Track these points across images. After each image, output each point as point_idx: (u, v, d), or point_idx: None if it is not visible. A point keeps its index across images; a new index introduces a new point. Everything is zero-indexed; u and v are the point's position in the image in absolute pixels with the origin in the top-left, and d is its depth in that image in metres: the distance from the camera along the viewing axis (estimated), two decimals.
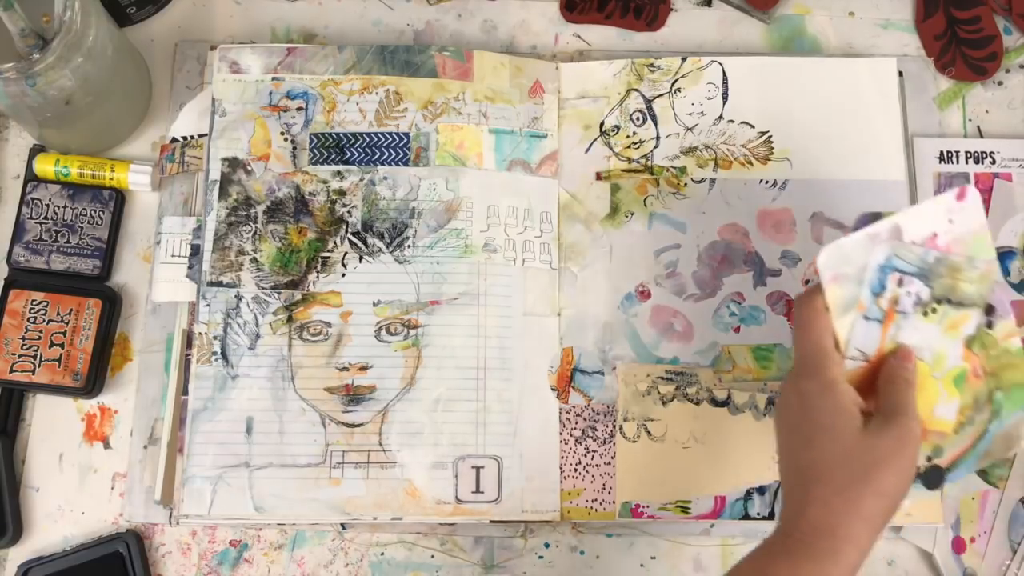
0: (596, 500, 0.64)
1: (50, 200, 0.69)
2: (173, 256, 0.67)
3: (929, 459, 0.53)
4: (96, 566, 0.63)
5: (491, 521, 0.64)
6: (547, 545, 0.66)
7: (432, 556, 0.65)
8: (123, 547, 0.64)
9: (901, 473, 0.47)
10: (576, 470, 0.65)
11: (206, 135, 0.68)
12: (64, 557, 0.64)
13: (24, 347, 0.65)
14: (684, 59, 0.72)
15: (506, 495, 0.64)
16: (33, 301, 0.66)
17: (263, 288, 0.66)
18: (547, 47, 0.74)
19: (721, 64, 0.72)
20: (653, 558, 0.66)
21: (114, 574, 0.63)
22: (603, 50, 0.74)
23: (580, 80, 0.71)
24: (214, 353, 0.64)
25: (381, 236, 0.67)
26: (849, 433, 0.48)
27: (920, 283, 0.52)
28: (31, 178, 0.69)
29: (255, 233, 0.66)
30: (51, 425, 0.67)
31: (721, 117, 0.71)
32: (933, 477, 0.53)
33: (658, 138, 0.70)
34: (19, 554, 0.65)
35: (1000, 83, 0.74)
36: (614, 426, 0.65)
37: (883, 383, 0.50)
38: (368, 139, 0.68)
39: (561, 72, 0.72)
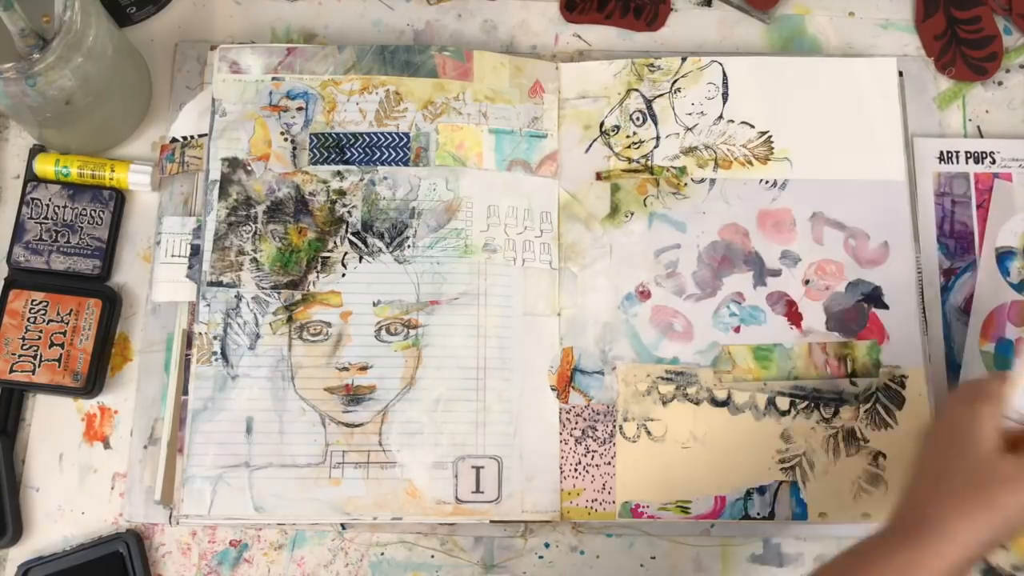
0: (596, 500, 0.64)
1: (50, 200, 0.69)
2: (173, 256, 0.67)
3: (1015, 568, 0.53)
4: (96, 566, 0.63)
5: (491, 521, 0.64)
6: (547, 545, 0.66)
7: (432, 556, 0.65)
8: (123, 547, 0.64)
9: (1019, 496, 0.49)
10: (576, 470, 0.65)
11: (206, 135, 0.68)
12: (64, 557, 0.64)
13: (24, 347, 0.65)
14: (684, 59, 0.72)
15: (506, 495, 0.64)
16: (33, 301, 0.66)
17: (263, 288, 0.66)
18: (547, 47, 0.74)
19: (721, 64, 0.72)
20: (653, 558, 0.66)
21: (114, 574, 0.63)
22: (603, 50, 0.74)
23: (580, 80, 0.71)
24: (214, 353, 0.64)
25: (381, 236, 0.67)
26: (981, 448, 0.50)
27: None
28: (31, 178, 0.69)
29: (255, 233, 0.66)
30: (51, 425, 0.67)
31: (721, 117, 0.71)
32: None
33: (658, 138, 0.70)
34: (19, 554, 0.65)
35: (1000, 83, 0.74)
36: (614, 426, 0.65)
37: None
38: (368, 139, 0.68)
39: (561, 72, 0.72)
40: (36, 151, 0.70)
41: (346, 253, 0.66)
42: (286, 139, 0.68)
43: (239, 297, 0.65)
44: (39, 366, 0.65)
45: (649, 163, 0.70)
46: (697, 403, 0.66)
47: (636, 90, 0.71)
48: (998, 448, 0.50)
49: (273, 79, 0.69)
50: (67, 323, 0.66)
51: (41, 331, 0.66)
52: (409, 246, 0.67)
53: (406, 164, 0.68)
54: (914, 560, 0.47)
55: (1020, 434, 0.53)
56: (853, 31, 0.75)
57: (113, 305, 0.68)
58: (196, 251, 0.67)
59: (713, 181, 0.70)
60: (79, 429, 0.67)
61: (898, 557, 0.48)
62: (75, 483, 0.66)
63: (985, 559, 0.54)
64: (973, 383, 0.55)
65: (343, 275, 0.66)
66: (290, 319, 0.65)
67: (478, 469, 0.64)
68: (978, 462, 0.50)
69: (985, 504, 0.48)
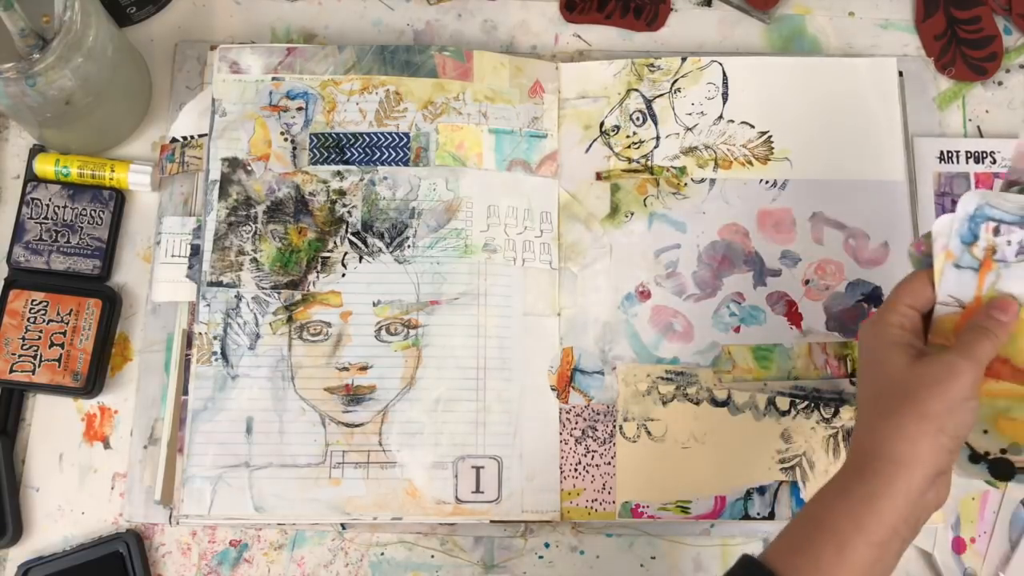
0: (596, 500, 0.64)
1: (50, 200, 0.69)
2: (173, 256, 0.67)
3: (1003, 451, 0.53)
4: (96, 566, 0.63)
5: (491, 521, 0.64)
6: (547, 545, 0.66)
7: (432, 556, 0.65)
8: (123, 547, 0.64)
9: (947, 401, 0.47)
10: (576, 470, 0.65)
11: (206, 135, 0.68)
12: (64, 557, 0.64)
13: (24, 347, 0.65)
14: (684, 59, 0.72)
15: (506, 495, 0.64)
16: (33, 301, 0.66)
17: (263, 288, 0.66)
18: (547, 47, 0.74)
19: (721, 64, 0.72)
20: (653, 558, 0.66)
21: (114, 574, 0.63)
22: (603, 50, 0.74)
23: (580, 80, 0.71)
24: (214, 353, 0.64)
25: (381, 236, 0.67)
26: (897, 364, 0.49)
27: (1022, 232, 0.51)
28: (31, 178, 0.69)
29: (255, 233, 0.66)
30: (51, 425, 0.67)
31: (721, 117, 0.71)
32: (1002, 468, 0.52)
33: (658, 138, 0.70)
34: (19, 554, 0.65)
35: (1000, 83, 0.74)
36: (614, 426, 0.65)
37: (963, 328, 0.51)
38: (368, 139, 0.68)
39: (561, 72, 0.72)
40: (36, 151, 0.70)
41: (346, 253, 0.66)
42: (286, 139, 0.68)
43: (239, 297, 0.65)
44: (39, 366, 0.65)
45: (649, 163, 0.70)
46: (697, 403, 0.66)
47: (636, 90, 0.71)
48: (913, 355, 0.49)
49: (273, 79, 0.69)
50: (67, 323, 0.66)
51: (41, 331, 0.66)
52: (409, 246, 0.67)
53: (406, 164, 0.68)
54: (870, 494, 0.47)
55: (960, 319, 0.51)
56: (853, 31, 0.75)
57: (113, 305, 0.68)
58: (196, 251, 0.67)
59: (713, 181, 0.70)
60: (79, 429, 0.67)
61: (855, 495, 0.47)
62: (75, 483, 0.66)
63: (968, 445, 0.53)
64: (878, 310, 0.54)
65: (343, 275, 0.66)
66: (290, 319, 0.65)
67: (478, 469, 0.64)
68: (896, 376, 0.49)
69: (917, 414, 0.47)
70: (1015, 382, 0.52)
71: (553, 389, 0.66)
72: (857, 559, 0.46)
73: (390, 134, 0.68)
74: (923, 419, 0.47)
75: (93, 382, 0.66)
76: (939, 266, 0.52)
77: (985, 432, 0.53)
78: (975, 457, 0.53)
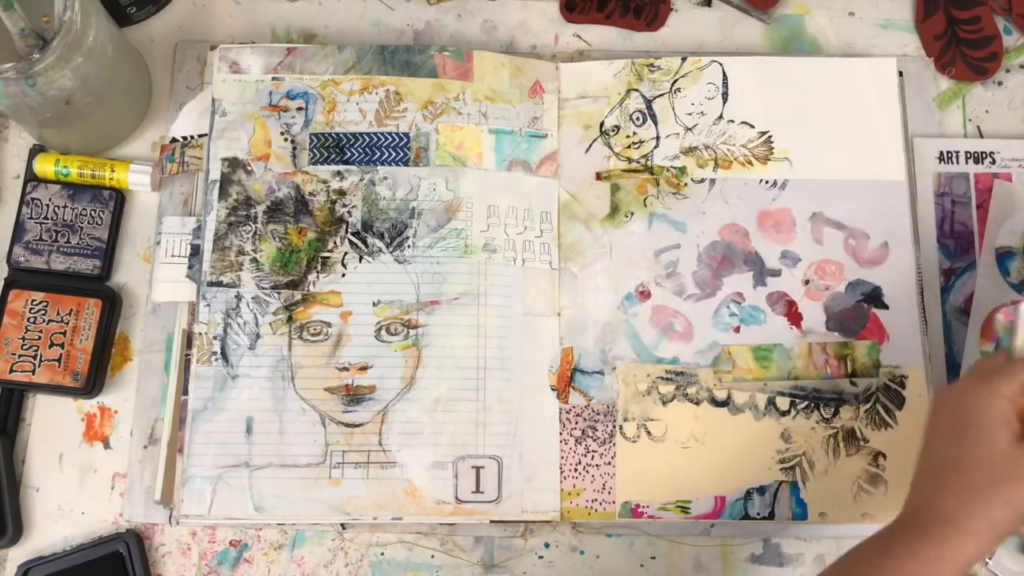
0: (596, 500, 0.64)
1: (50, 200, 0.69)
2: (173, 256, 0.67)
3: None
4: (96, 566, 0.63)
5: (491, 521, 0.64)
6: (547, 545, 0.66)
7: (432, 556, 0.65)
8: (123, 547, 0.64)
9: None
10: (576, 470, 0.65)
11: (206, 135, 0.68)
12: (64, 557, 0.64)
13: (24, 347, 0.65)
14: (684, 59, 0.72)
15: (506, 495, 0.64)
16: (33, 301, 0.66)
17: (263, 288, 0.66)
18: (547, 47, 0.74)
19: (721, 64, 0.72)
20: (653, 558, 0.66)
21: (114, 574, 0.63)
22: (603, 50, 0.74)
23: (580, 80, 0.71)
24: (214, 353, 0.64)
25: (381, 236, 0.67)
26: (999, 441, 0.50)
27: None
28: (31, 178, 0.69)
29: (255, 233, 0.66)
30: (51, 425, 0.67)
31: (721, 117, 0.71)
32: None
33: (658, 138, 0.70)
34: (19, 554, 0.65)
35: (1000, 83, 0.74)
36: (614, 426, 0.65)
37: None
38: (368, 139, 0.68)
39: (561, 72, 0.72)
40: (36, 151, 0.70)
41: (346, 253, 0.66)
42: (286, 139, 0.68)
43: (239, 297, 0.65)
44: (39, 366, 0.65)
45: (649, 163, 0.70)
46: (697, 403, 0.66)
47: (636, 90, 0.71)
48: (1015, 437, 0.50)
49: (273, 79, 0.69)
50: (67, 323, 0.66)
51: (41, 331, 0.66)
52: (409, 246, 0.67)
53: (406, 164, 0.68)
54: (938, 556, 0.48)
55: None
56: (853, 31, 0.75)
57: (113, 305, 0.68)
58: (196, 251, 0.67)
59: (713, 181, 0.70)
60: (79, 429, 0.67)
61: (923, 554, 0.48)
62: (75, 483, 0.66)
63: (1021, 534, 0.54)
64: (989, 361, 0.54)
65: (343, 275, 0.66)
66: (290, 319, 0.65)
67: (478, 469, 0.64)
68: (996, 455, 0.49)
69: (1004, 500, 0.49)
70: None
71: (553, 389, 0.66)
72: None
73: (390, 134, 0.68)
74: (1009, 505, 0.49)
75: (93, 382, 0.66)
76: (1020, 346, 0.52)
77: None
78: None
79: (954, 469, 0.50)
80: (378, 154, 0.68)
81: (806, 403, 0.66)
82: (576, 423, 0.65)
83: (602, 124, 0.71)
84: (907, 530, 0.50)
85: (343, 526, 0.65)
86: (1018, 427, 0.51)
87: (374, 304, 0.66)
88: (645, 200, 0.69)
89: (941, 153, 0.71)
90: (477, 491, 0.63)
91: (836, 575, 0.51)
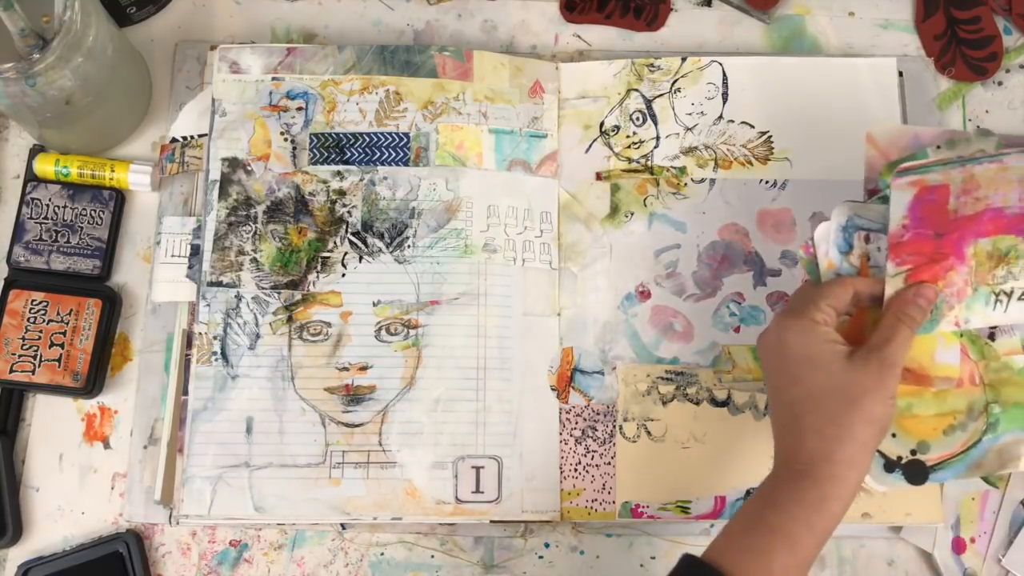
0: (596, 500, 0.64)
1: (50, 200, 0.69)
2: (173, 256, 0.67)
3: (914, 452, 0.54)
4: (96, 566, 0.63)
5: (491, 521, 0.64)
6: (547, 545, 0.66)
7: (432, 556, 0.65)
8: (123, 547, 0.64)
9: (885, 401, 0.50)
10: (576, 470, 0.65)
11: (206, 135, 0.68)
12: (64, 557, 0.64)
13: (24, 347, 0.65)
14: (684, 59, 0.72)
15: (506, 495, 0.64)
16: (33, 301, 0.66)
17: (263, 288, 0.66)
18: (547, 47, 0.74)
19: (721, 64, 0.72)
20: (653, 558, 0.66)
21: (114, 574, 0.63)
22: (603, 50, 0.74)
23: (580, 80, 0.71)
24: (214, 353, 0.64)
25: (381, 236, 0.67)
26: (834, 365, 0.51)
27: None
28: (31, 178, 0.69)
29: (255, 233, 0.66)
30: (51, 425, 0.67)
31: (721, 117, 0.71)
32: (916, 472, 0.55)
33: (658, 138, 0.70)
34: (19, 554, 0.65)
35: (1000, 83, 0.74)
36: (614, 426, 0.65)
37: (882, 318, 0.53)
38: (368, 139, 0.68)
39: (561, 72, 0.72)
40: (36, 151, 0.70)
41: (346, 253, 0.66)
42: (286, 139, 0.68)
43: (239, 297, 0.65)
44: (39, 366, 0.65)
45: (649, 163, 0.70)
46: (697, 403, 0.66)
47: (636, 90, 0.71)
48: (844, 357, 0.51)
49: (273, 79, 0.69)
50: (67, 323, 0.66)
51: (41, 331, 0.66)
52: (409, 246, 0.67)
53: (406, 164, 0.68)
54: (822, 495, 0.49)
55: (851, 324, 0.54)
56: (853, 31, 0.75)
57: (113, 305, 0.68)
58: (196, 251, 0.67)
59: (713, 181, 0.70)
60: (79, 429, 0.67)
61: (807, 497, 0.49)
62: (75, 483, 0.66)
63: (881, 453, 0.55)
64: (797, 296, 0.55)
65: (343, 275, 0.66)
66: (290, 319, 0.65)
67: (478, 469, 0.64)
68: (836, 380, 0.50)
69: (862, 419, 0.49)
70: (913, 384, 0.55)
71: (553, 389, 0.66)
72: (807, 555, 0.49)
73: (390, 134, 0.68)
74: (868, 423, 0.50)
75: (93, 382, 0.66)
76: (824, 271, 0.55)
77: (893, 436, 0.55)
78: (889, 465, 0.55)
79: (806, 407, 0.51)
80: (378, 154, 0.68)
81: None
82: (576, 423, 0.65)
83: (602, 124, 0.71)
84: (786, 478, 0.51)
85: (343, 526, 0.65)
86: (843, 345, 0.51)
87: (374, 304, 0.66)
88: (645, 200, 0.69)
89: None
90: (477, 491, 0.63)
91: (729, 538, 0.51)
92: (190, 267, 0.67)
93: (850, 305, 0.54)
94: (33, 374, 0.65)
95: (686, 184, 0.70)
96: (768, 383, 0.54)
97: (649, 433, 0.65)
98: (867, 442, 0.50)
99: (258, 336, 0.65)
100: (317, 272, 0.66)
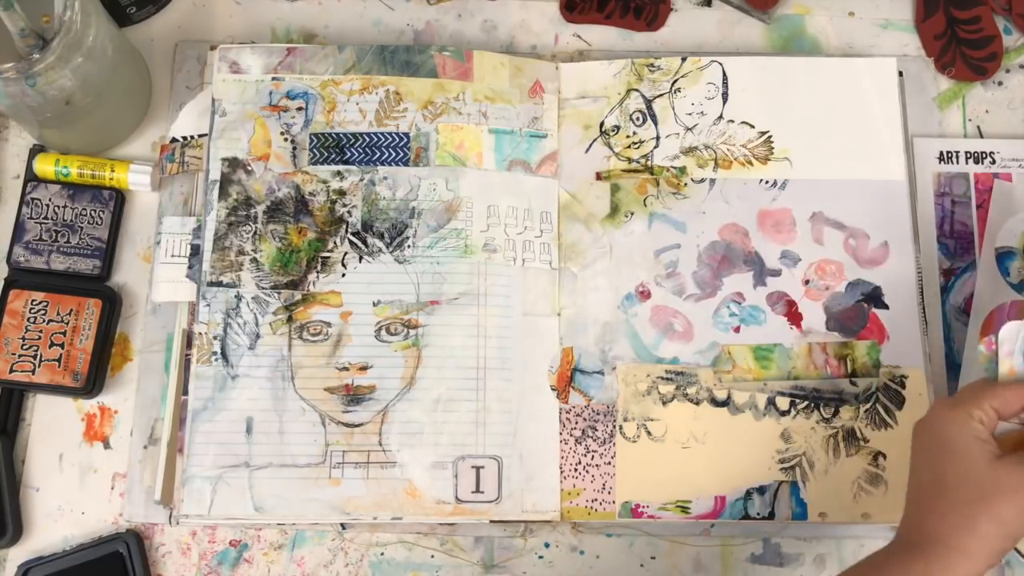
0: (596, 500, 0.64)
1: (50, 200, 0.69)
2: (173, 256, 0.67)
3: None
4: (96, 566, 0.63)
5: (491, 521, 0.64)
6: (547, 545, 0.66)
7: (432, 556, 0.65)
8: (123, 547, 0.64)
9: (1020, 506, 0.49)
10: (576, 470, 0.65)
11: (206, 135, 0.68)
12: (64, 557, 0.64)
13: (24, 347, 0.65)
14: (684, 59, 0.72)
15: (506, 495, 0.64)
16: (33, 301, 0.66)
17: (263, 288, 0.66)
18: (547, 47, 0.74)
19: (721, 64, 0.72)
20: (653, 558, 0.66)
21: (114, 574, 0.63)
22: (603, 50, 0.74)
23: (580, 80, 0.71)
24: (214, 353, 0.64)
25: (381, 236, 0.67)
26: (978, 460, 0.50)
27: None
28: (31, 178, 0.69)
29: (255, 233, 0.66)
30: (51, 425, 0.67)
31: (721, 117, 0.71)
32: None
33: (658, 138, 0.70)
34: (19, 554, 0.65)
35: (1000, 83, 0.74)
36: (614, 426, 0.65)
37: None
38: (368, 139, 0.68)
39: (561, 72, 0.72)
40: (36, 151, 0.70)
41: (346, 253, 0.66)
42: (286, 139, 0.68)
43: (239, 297, 0.65)
44: (39, 366, 0.65)
45: (649, 163, 0.70)
46: (697, 403, 0.66)
47: (636, 90, 0.71)
48: (991, 456, 0.50)
49: (273, 79, 0.69)
50: (67, 323, 0.66)
51: (41, 331, 0.66)
52: (409, 246, 0.67)
53: (406, 164, 0.68)
54: (927, 572, 0.49)
55: (1020, 436, 0.53)
56: (853, 31, 0.75)
57: (113, 305, 0.68)
58: (196, 251, 0.67)
59: (713, 181, 0.70)
60: (79, 429, 0.67)
61: (913, 570, 0.49)
62: (75, 483, 0.66)
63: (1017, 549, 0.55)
64: (966, 389, 0.55)
65: (343, 275, 0.66)
66: (290, 319, 0.65)
67: (478, 469, 0.64)
68: (975, 474, 0.50)
69: (990, 516, 0.49)
70: None
71: (553, 389, 0.66)
72: None
73: (390, 134, 0.68)
74: (995, 521, 0.49)
75: (93, 382, 0.66)
76: (1003, 373, 0.53)
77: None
78: None
79: (936, 491, 0.51)
80: (378, 154, 0.68)
81: (806, 403, 0.66)
82: (576, 423, 0.65)
83: (602, 124, 0.71)
84: (899, 551, 0.51)
85: (343, 526, 0.65)
86: (994, 447, 0.51)
87: (374, 304, 0.66)
88: (645, 200, 0.69)
89: (941, 153, 0.71)
90: (477, 491, 0.63)
91: None
92: (190, 267, 0.67)
93: (1020, 414, 0.53)
94: (33, 374, 0.65)
95: (686, 184, 0.70)
96: (911, 465, 0.54)
97: (649, 433, 0.65)
98: (989, 539, 0.49)
99: (258, 336, 0.65)
100: (317, 272, 0.66)
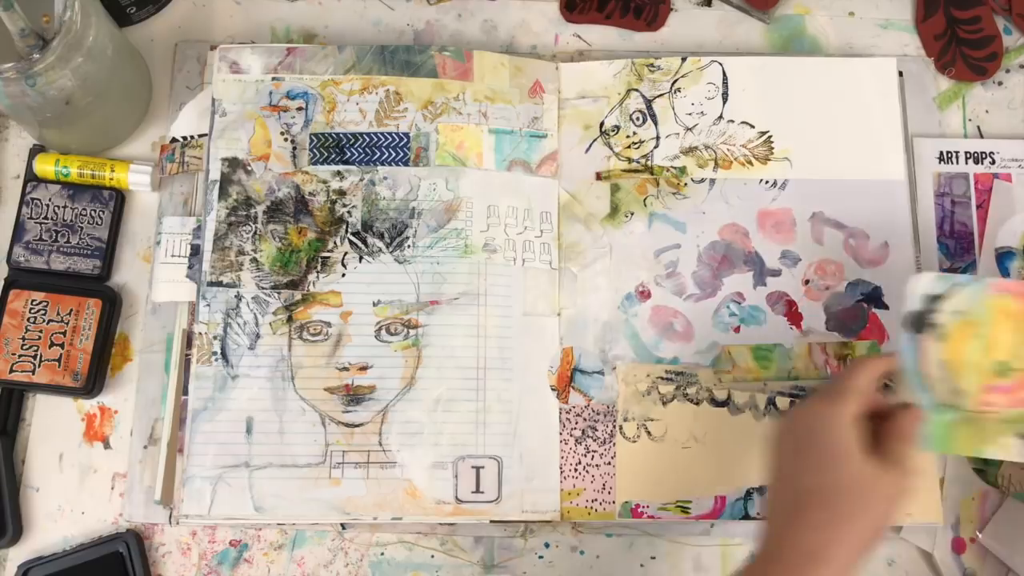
0: (596, 500, 0.64)
1: (50, 200, 0.69)
2: (173, 256, 0.67)
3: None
4: (96, 566, 0.63)
5: (491, 521, 0.64)
6: (547, 545, 0.66)
7: (432, 556, 0.65)
8: (123, 547, 0.64)
9: (891, 517, 0.49)
10: (576, 470, 0.65)
11: (206, 135, 0.68)
12: (64, 557, 0.64)
13: (24, 347, 0.65)
14: (684, 59, 0.72)
15: (506, 495, 0.64)
16: (33, 301, 0.66)
17: (263, 288, 0.66)
18: (547, 47, 0.74)
19: (721, 64, 0.72)
20: (653, 558, 0.66)
21: (114, 574, 0.63)
22: (603, 50, 0.74)
23: (580, 80, 0.71)
24: (214, 353, 0.64)
25: (381, 236, 0.67)
26: (857, 466, 0.49)
27: None
28: (31, 178, 0.69)
29: (255, 233, 0.66)
30: (51, 425, 0.67)
31: (721, 117, 0.71)
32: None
33: (658, 138, 0.70)
34: (19, 554, 0.65)
35: (1000, 83, 0.74)
36: (614, 426, 0.65)
37: (892, 435, 0.51)
38: (368, 139, 0.68)
39: (561, 72, 0.72)
40: (36, 151, 0.70)
41: (346, 253, 0.66)
42: (286, 139, 0.68)
43: (239, 297, 0.65)
44: (39, 366, 0.65)
45: (649, 163, 0.70)
46: (697, 403, 0.66)
47: (636, 90, 0.71)
48: (864, 454, 0.49)
49: (273, 79, 0.69)
50: (67, 323, 0.66)
51: (41, 331, 0.66)
52: (409, 246, 0.67)
53: (406, 164, 0.68)
54: None
55: (879, 408, 0.52)
56: (853, 31, 0.75)
57: (113, 305, 0.68)
58: (196, 251, 0.67)
59: (713, 181, 0.70)
60: (79, 429, 0.67)
61: None
62: (75, 483, 0.66)
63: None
64: (827, 385, 0.53)
65: (343, 275, 0.66)
66: (290, 319, 0.65)
67: (478, 469, 0.64)
68: (854, 481, 0.49)
69: (863, 527, 0.48)
70: None
71: (553, 389, 0.66)
72: None
73: (390, 134, 0.68)
74: (868, 530, 0.48)
75: (93, 382, 0.66)
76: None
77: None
78: None
79: (815, 501, 0.49)
80: (378, 154, 0.68)
81: None
82: (576, 423, 0.65)
83: (602, 124, 0.71)
84: (769, 565, 0.49)
85: (343, 526, 0.65)
86: (863, 440, 0.50)
87: (374, 304, 0.66)
88: (645, 200, 0.69)
89: (941, 153, 0.71)
90: (477, 491, 0.63)
91: None
92: (190, 267, 0.67)
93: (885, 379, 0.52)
94: (33, 374, 0.65)
95: (686, 184, 0.70)
96: (778, 460, 0.52)
97: (649, 433, 0.65)
98: (858, 547, 0.48)
99: (258, 336, 0.65)
100: (317, 272, 0.66)
